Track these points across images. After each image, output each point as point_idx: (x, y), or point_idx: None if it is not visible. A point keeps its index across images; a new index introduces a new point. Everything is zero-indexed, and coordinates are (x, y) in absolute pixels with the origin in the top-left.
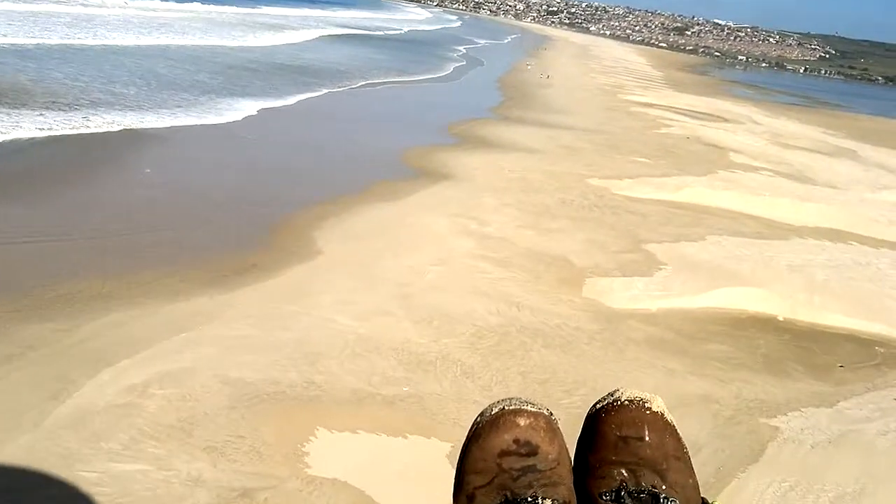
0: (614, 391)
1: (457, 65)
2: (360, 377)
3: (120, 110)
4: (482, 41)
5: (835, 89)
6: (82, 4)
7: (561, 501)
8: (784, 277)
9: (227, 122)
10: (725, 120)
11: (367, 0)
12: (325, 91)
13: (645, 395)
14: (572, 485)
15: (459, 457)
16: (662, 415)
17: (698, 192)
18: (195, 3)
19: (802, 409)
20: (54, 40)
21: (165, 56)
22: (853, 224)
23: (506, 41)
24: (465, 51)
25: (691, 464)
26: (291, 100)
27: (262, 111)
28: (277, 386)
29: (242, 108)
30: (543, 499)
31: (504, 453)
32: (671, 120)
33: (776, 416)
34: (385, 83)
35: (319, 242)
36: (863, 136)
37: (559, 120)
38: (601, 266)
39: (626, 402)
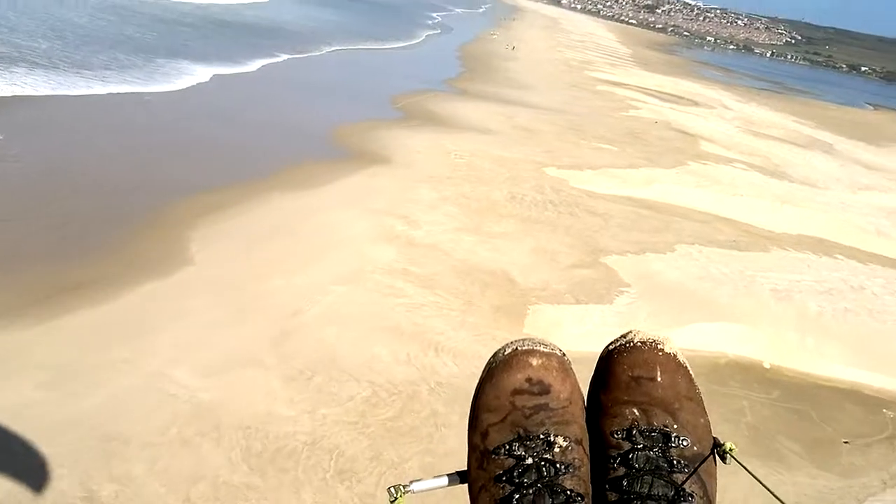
0: (627, 333)
1: (429, 32)
2: (175, 488)
3: (27, 68)
4: (458, 9)
5: (801, 75)
6: None
7: (573, 439)
8: (770, 308)
9: (172, 90)
10: (696, 103)
11: None
12: (286, 57)
13: (658, 336)
14: (585, 423)
15: (473, 396)
16: (675, 356)
17: (668, 189)
18: None
19: None
20: None
21: (100, 5)
22: (838, 233)
23: (480, 10)
24: (439, 19)
25: (703, 404)
26: (251, 66)
27: (217, 77)
28: None
29: (195, 74)
30: (556, 436)
31: (517, 392)
32: (639, 101)
33: None
34: (352, 49)
35: (193, 248)
36: (834, 126)
37: (520, 96)
38: (550, 286)
39: (639, 344)
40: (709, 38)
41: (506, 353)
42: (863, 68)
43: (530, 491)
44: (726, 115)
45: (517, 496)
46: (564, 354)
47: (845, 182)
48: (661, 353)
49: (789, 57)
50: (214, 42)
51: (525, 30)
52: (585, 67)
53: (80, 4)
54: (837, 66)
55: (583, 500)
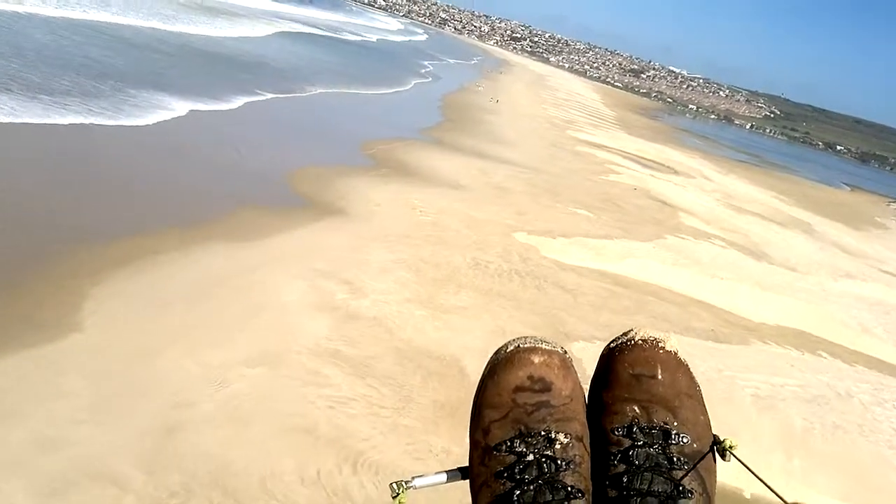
0: (629, 331)
1: (419, 80)
2: None
3: None
4: (450, 59)
5: (779, 150)
6: None
7: (574, 436)
8: (751, 420)
9: (140, 125)
10: (675, 172)
11: (333, 0)
12: (270, 96)
13: (659, 334)
14: (585, 420)
15: (476, 393)
16: (675, 354)
17: (644, 265)
18: None
19: None
20: None
21: (94, 33)
22: (820, 326)
23: (472, 62)
24: (431, 67)
25: (703, 402)
26: (232, 103)
27: (194, 113)
28: None
29: (170, 108)
30: (556, 433)
31: (518, 389)
32: (619, 166)
33: None
34: (338, 93)
35: (87, 308)
36: (812, 205)
37: (497, 151)
38: None
39: (640, 342)
40: (691, 105)
41: (508, 350)
42: (838, 147)
43: (531, 487)
44: (706, 186)
45: (518, 492)
46: (566, 352)
47: (826, 267)
48: (661, 351)
49: (768, 131)
50: (197, 75)
51: (511, 84)
52: (568, 126)
53: (43, 22)
54: (814, 143)
55: (583, 496)
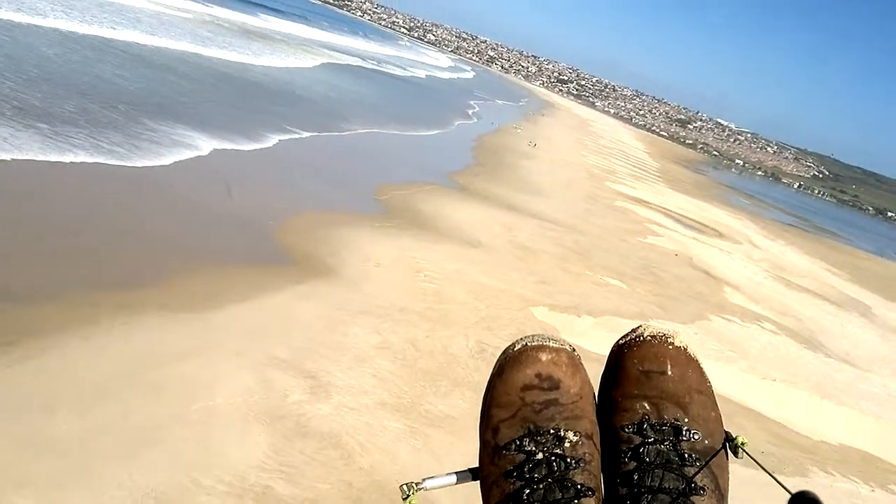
0: (637, 327)
1: (462, 121)
2: None
3: None
4: (499, 101)
5: (828, 212)
6: None
7: (583, 434)
8: None
9: (152, 166)
10: (720, 235)
11: (384, 34)
12: (307, 134)
13: (668, 330)
14: (595, 418)
15: (485, 392)
16: (685, 349)
17: None
18: (189, 1)
19: None
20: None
21: (117, 54)
22: (890, 448)
23: (521, 103)
24: (477, 108)
25: (714, 398)
26: (263, 141)
27: (217, 153)
28: None
29: (193, 145)
30: (566, 431)
31: (527, 387)
32: (660, 226)
33: None
34: (380, 133)
35: None
36: (868, 281)
37: (527, 203)
38: None
39: (649, 338)
40: (738, 160)
41: (515, 349)
42: (889, 213)
43: (541, 486)
44: (754, 254)
45: (527, 491)
46: (574, 350)
47: (890, 362)
48: (671, 347)
49: (816, 191)
50: (232, 109)
51: (552, 127)
52: (608, 177)
53: (51, 36)
54: (864, 207)
55: (593, 494)
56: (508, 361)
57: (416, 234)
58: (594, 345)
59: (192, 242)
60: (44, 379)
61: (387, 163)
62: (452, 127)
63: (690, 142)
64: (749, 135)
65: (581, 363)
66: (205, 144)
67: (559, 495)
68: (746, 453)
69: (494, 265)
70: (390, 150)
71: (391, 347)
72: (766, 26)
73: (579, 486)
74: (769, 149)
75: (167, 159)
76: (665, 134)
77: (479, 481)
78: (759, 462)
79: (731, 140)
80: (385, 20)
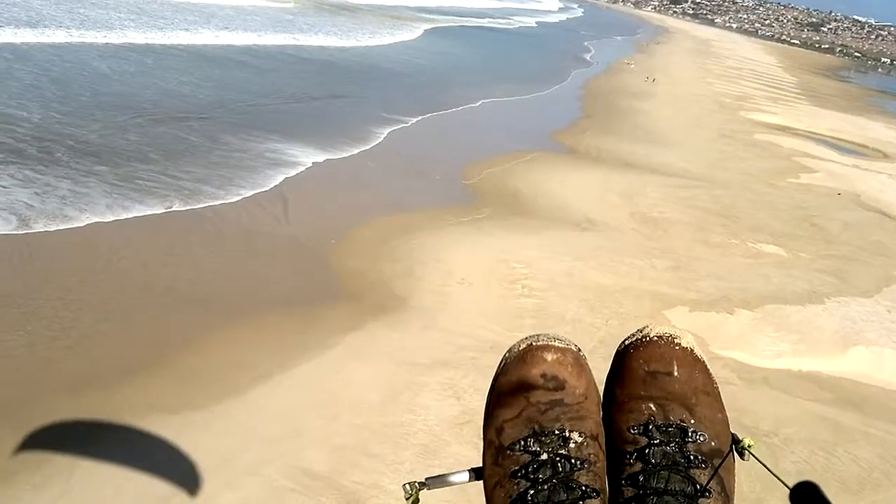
0: (643, 328)
1: (580, 69)
2: None
3: None
4: (617, 36)
5: None
6: None
7: (588, 434)
8: None
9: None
10: (886, 156)
11: None
12: (412, 120)
13: (674, 330)
14: (600, 419)
15: (489, 392)
16: (692, 350)
17: (879, 360)
18: None
19: None
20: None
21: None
22: None
23: (637, 35)
24: (594, 51)
25: (721, 399)
26: (368, 142)
27: (318, 166)
28: None
29: (300, 161)
30: (571, 431)
31: (532, 387)
32: (812, 157)
33: None
34: (493, 102)
35: None
36: None
37: (648, 155)
38: None
39: (655, 338)
40: (884, 59)
41: (520, 348)
42: None
43: (545, 487)
44: None
45: (532, 492)
46: (580, 349)
47: None
48: (677, 348)
49: None
50: (335, 108)
51: (669, 54)
52: (741, 106)
53: (102, 49)
54: None
55: (598, 495)
56: (513, 361)
57: (511, 224)
58: (758, 355)
59: (250, 292)
60: None
61: (484, 134)
62: (567, 80)
63: (827, 46)
64: (893, 28)
65: (587, 363)
66: (306, 158)
67: (564, 496)
68: (753, 456)
69: (612, 252)
70: (496, 118)
71: (474, 420)
72: None
73: (584, 488)
74: None
75: (247, 191)
76: (797, 42)
77: (481, 481)
78: (766, 465)
79: (874, 37)
80: None
